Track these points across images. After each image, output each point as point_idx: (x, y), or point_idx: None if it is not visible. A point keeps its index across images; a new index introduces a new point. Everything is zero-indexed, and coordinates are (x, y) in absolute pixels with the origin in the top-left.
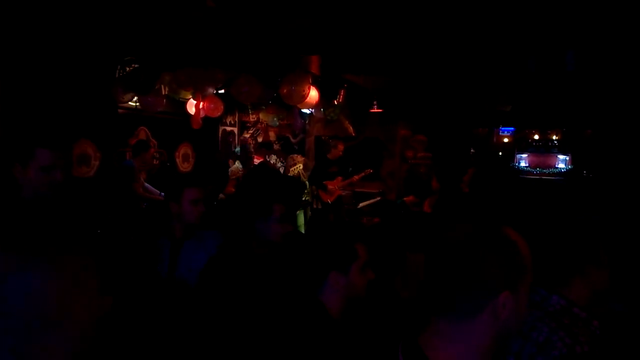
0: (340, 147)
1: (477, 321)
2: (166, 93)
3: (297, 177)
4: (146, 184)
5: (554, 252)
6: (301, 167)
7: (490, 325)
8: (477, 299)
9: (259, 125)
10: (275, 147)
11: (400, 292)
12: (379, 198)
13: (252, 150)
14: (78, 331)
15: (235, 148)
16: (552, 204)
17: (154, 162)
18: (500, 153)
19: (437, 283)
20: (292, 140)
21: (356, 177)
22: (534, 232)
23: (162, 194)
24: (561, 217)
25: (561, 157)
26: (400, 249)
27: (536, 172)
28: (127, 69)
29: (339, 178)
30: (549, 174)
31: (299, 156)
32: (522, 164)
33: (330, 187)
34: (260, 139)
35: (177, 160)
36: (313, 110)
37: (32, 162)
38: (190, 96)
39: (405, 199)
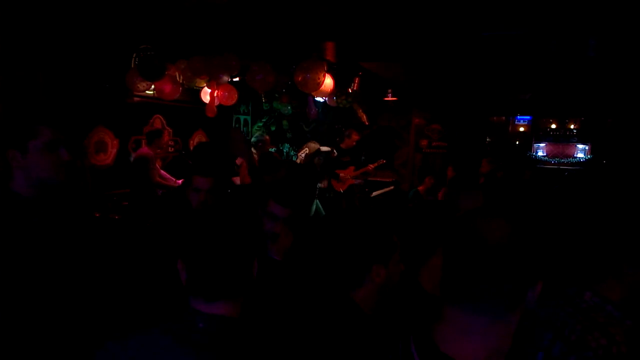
0: (355, 136)
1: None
2: (181, 81)
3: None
4: (162, 171)
5: (588, 247)
6: (307, 151)
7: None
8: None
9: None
10: (288, 135)
11: (424, 285)
12: (392, 187)
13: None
14: None
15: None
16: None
17: (169, 150)
18: (517, 142)
19: (467, 270)
20: (305, 128)
21: (370, 166)
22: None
23: (178, 181)
24: (596, 210)
25: (580, 146)
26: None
27: (554, 161)
28: (142, 55)
29: (352, 167)
30: (567, 164)
31: (312, 142)
32: (540, 153)
33: (342, 175)
34: (273, 128)
35: (192, 148)
36: (327, 98)
37: (35, 141)
38: (205, 84)
39: (419, 187)
